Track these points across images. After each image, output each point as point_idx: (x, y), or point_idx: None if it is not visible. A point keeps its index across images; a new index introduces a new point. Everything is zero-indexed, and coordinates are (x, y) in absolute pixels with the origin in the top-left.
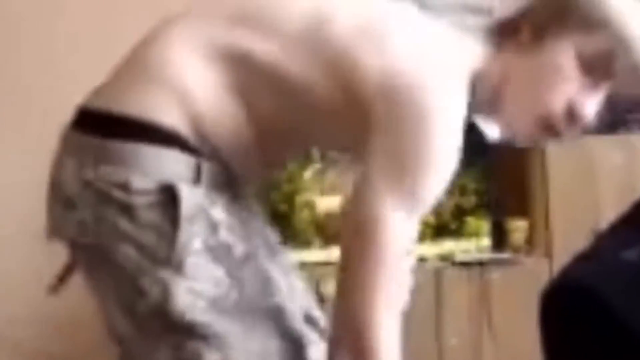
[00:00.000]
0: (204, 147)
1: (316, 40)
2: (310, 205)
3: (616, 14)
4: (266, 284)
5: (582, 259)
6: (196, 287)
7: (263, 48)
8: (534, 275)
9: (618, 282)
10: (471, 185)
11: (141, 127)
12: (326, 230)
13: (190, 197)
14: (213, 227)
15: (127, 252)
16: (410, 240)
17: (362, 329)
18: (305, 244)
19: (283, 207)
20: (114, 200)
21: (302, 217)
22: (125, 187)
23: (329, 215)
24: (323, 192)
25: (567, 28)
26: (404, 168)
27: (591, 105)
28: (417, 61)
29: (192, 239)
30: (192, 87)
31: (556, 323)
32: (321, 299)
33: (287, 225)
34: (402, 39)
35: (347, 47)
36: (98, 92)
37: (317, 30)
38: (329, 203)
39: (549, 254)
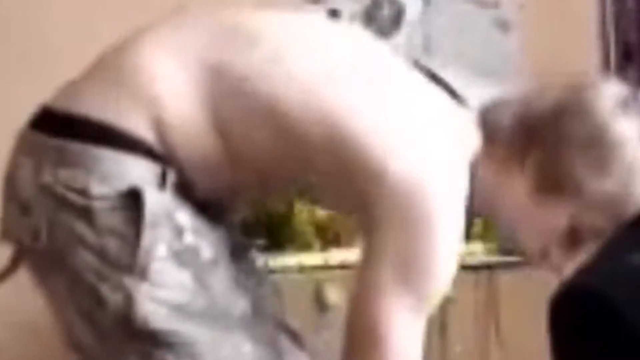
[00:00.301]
0: (170, 156)
1: (317, 95)
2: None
3: (619, 199)
4: (237, 290)
5: (591, 263)
6: (161, 294)
7: (260, 76)
8: (543, 279)
9: (627, 286)
10: None
11: (105, 130)
12: (326, 233)
13: (155, 200)
14: (178, 231)
15: (86, 259)
16: (419, 343)
17: None
18: (304, 246)
19: (282, 209)
20: (71, 205)
21: (302, 218)
22: (84, 192)
23: (329, 217)
24: None
25: (570, 197)
26: (409, 272)
27: (567, 262)
28: (418, 154)
29: (156, 244)
30: (163, 95)
31: (565, 328)
32: (323, 307)
33: (286, 227)
34: (403, 121)
35: (343, 114)
36: (63, 92)
37: (320, 83)
38: None
39: None
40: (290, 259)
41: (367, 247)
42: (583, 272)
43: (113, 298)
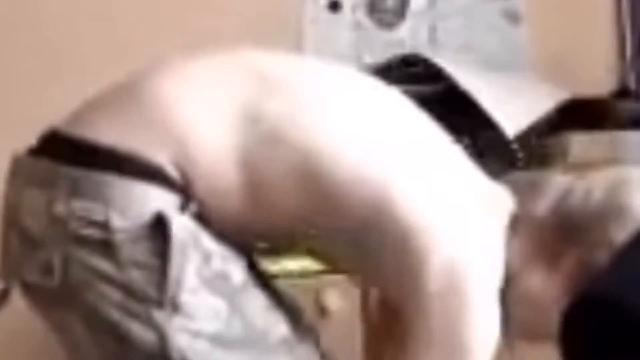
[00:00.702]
0: (188, 189)
1: (357, 156)
2: None
3: None
4: (273, 312)
5: (608, 270)
6: (195, 325)
7: (296, 125)
8: None
9: None
10: None
11: (121, 159)
12: None
13: (180, 226)
14: (206, 256)
15: (108, 295)
16: None
17: None
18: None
19: None
20: (89, 239)
21: None
22: (104, 225)
23: None
24: None
25: None
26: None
27: None
28: (461, 236)
29: (186, 273)
30: (187, 129)
31: (579, 337)
32: (323, 312)
33: None
34: (445, 199)
35: (388, 184)
36: (74, 117)
37: (361, 144)
38: None
39: None
40: (290, 264)
41: (406, 330)
42: (600, 280)
43: (143, 335)
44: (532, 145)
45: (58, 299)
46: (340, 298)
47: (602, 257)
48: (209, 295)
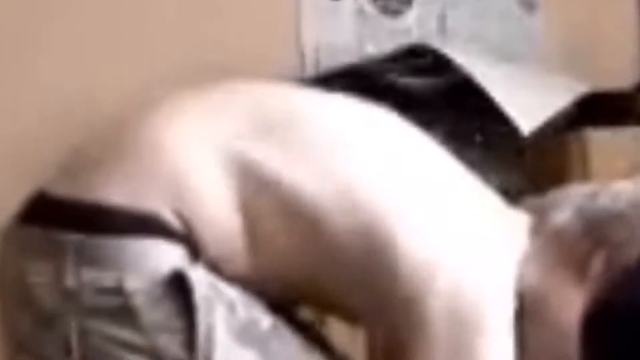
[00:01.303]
0: (192, 239)
1: (356, 194)
2: None
3: None
4: (308, 354)
5: (628, 275)
6: None
7: (292, 170)
8: None
9: None
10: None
11: (125, 217)
12: None
13: (199, 279)
14: (230, 306)
15: None
16: None
17: None
18: None
19: None
20: (105, 308)
21: None
22: (118, 290)
23: None
24: None
25: None
26: None
27: None
28: (466, 268)
29: (215, 328)
30: (186, 177)
31: (601, 344)
32: (321, 321)
33: None
34: (449, 227)
35: (385, 220)
36: (66, 175)
37: (359, 181)
38: None
39: None
40: None
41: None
42: (621, 286)
43: None
44: (548, 142)
45: None
46: None
47: (631, 255)
48: (240, 348)
